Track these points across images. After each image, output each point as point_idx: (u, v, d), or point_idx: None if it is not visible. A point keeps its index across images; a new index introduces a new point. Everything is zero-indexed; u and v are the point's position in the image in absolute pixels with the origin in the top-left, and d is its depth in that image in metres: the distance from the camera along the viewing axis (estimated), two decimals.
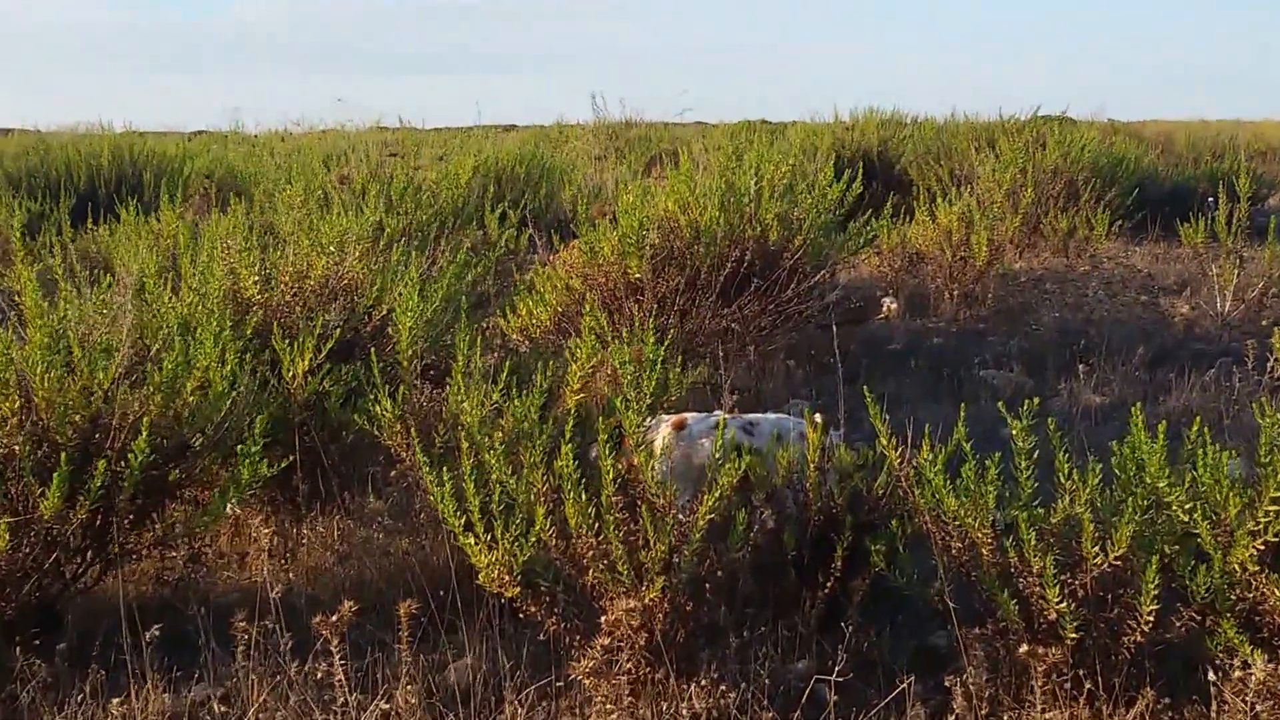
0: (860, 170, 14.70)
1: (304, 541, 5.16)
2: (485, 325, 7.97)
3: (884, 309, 10.47)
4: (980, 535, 4.02)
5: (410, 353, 4.98)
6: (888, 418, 4.68)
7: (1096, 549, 3.86)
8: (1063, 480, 4.04)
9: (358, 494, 5.29)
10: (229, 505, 4.24)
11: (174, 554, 4.62)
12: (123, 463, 4.16)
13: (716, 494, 3.98)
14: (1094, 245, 12.23)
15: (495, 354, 7.20)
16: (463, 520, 3.81)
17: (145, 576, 4.75)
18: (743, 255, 7.45)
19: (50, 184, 12.69)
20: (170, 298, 5.41)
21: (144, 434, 3.99)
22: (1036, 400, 4.25)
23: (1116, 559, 3.81)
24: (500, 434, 4.49)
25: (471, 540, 3.81)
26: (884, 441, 4.37)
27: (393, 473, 5.04)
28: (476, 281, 8.79)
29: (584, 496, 3.92)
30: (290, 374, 5.15)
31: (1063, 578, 3.90)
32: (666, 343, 6.35)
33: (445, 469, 4.08)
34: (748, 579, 4.35)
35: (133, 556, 4.47)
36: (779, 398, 7.57)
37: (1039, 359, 8.66)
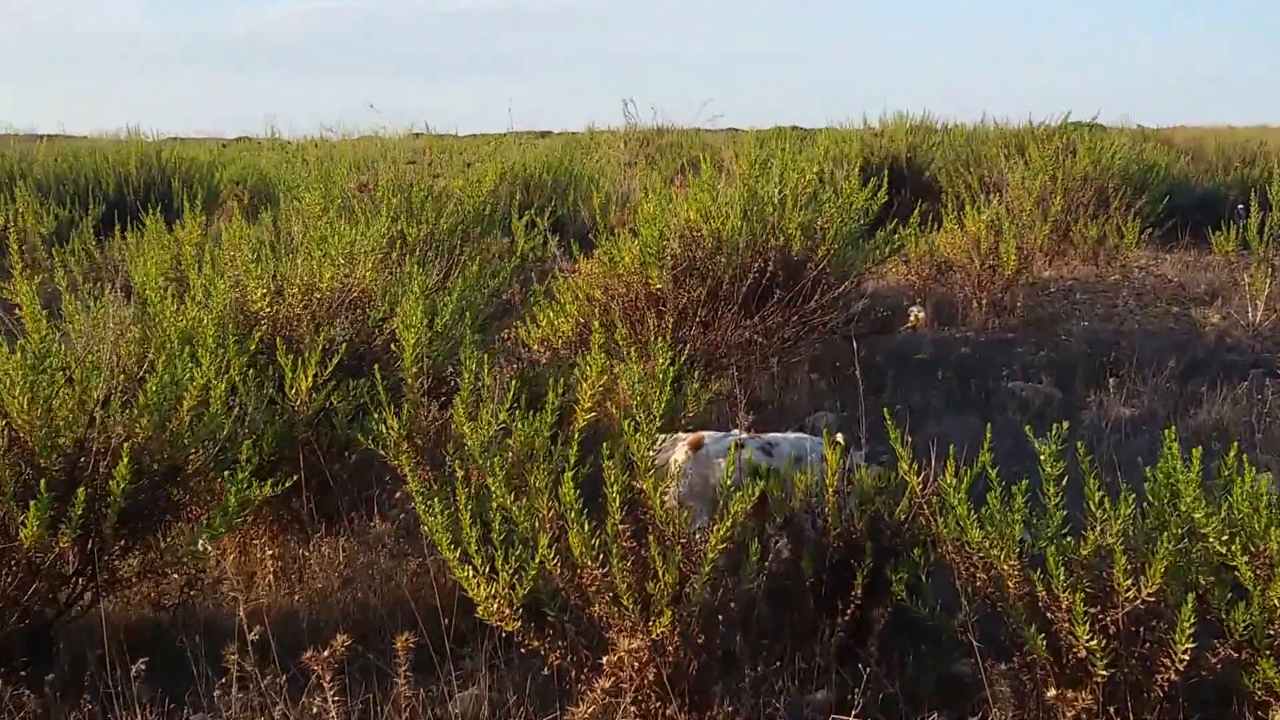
0: (888, 177, 14.53)
1: (310, 563, 4.95)
2: (506, 335, 7.78)
3: (911, 318, 10.20)
4: (1006, 568, 3.76)
5: (415, 370, 4.76)
6: (910, 440, 4.45)
7: (1129, 583, 3.60)
8: (1093, 509, 3.79)
9: (365, 514, 5.08)
10: (201, 543, 4.01)
11: (169, 579, 4.41)
12: (109, 489, 3.96)
13: (729, 522, 3.74)
14: (1124, 253, 11.90)
15: (515, 365, 7.00)
16: (458, 551, 3.58)
17: (144, 600, 4.55)
18: (764, 266, 7.20)
19: (79, 191, 12.55)
20: (171, 311, 5.19)
21: (125, 459, 3.77)
22: (1065, 424, 4.01)
23: (1150, 595, 3.55)
24: (506, 456, 4.27)
25: (469, 573, 3.59)
26: (905, 466, 4.11)
27: (398, 493, 4.83)
28: (499, 289, 8.61)
29: (589, 525, 3.69)
30: (294, 390, 4.95)
31: (1093, 611, 3.66)
32: (683, 356, 6.17)
33: (444, 495, 3.89)
34: (763, 608, 4.11)
35: (122, 584, 4.26)
36: (803, 410, 7.33)
37: (1068, 370, 8.37)
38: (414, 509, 4.70)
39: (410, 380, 4.76)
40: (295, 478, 4.81)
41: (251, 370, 5.01)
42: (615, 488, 3.76)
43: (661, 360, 4.56)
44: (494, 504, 3.72)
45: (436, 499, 3.68)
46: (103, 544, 4.00)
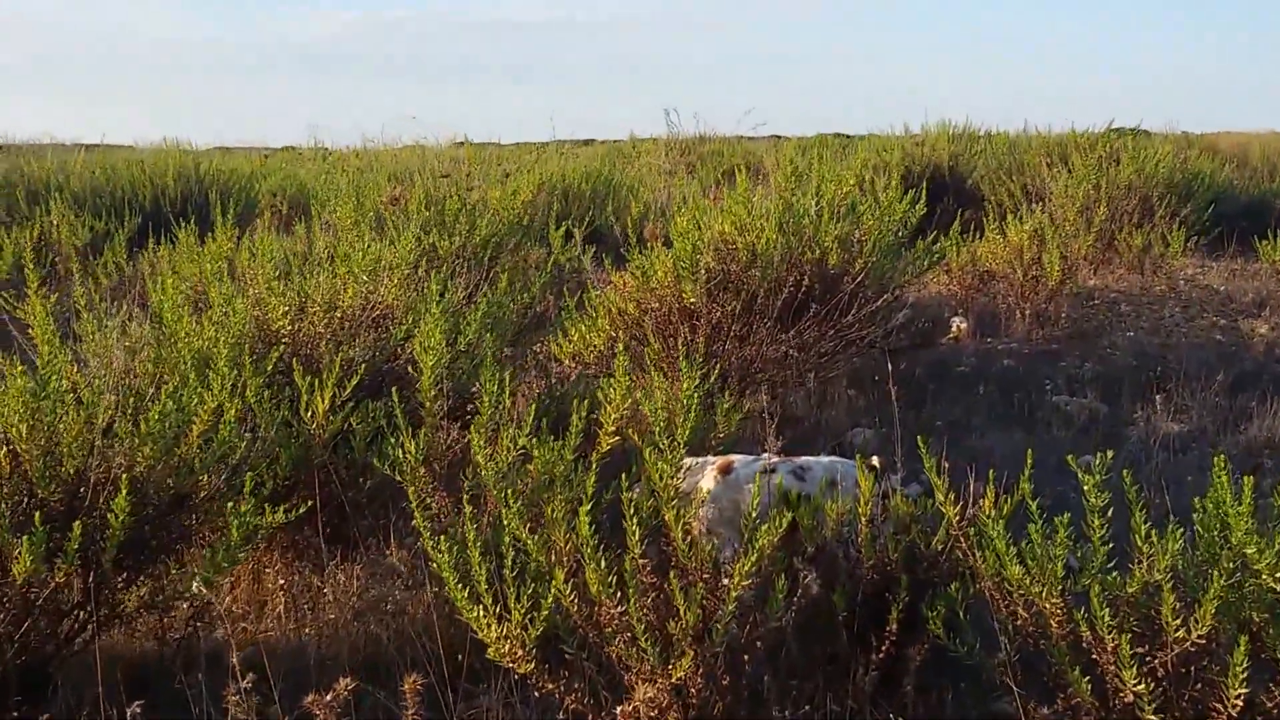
0: (929, 186, 14.24)
1: (323, 593, 4.77)
2: (538, 349, 7.60)
3: (953, 329, 9.92)
4: (1048, 605, 3.52)
5: (434, 392, 4.57)
6: (948, 459, 4.24)
7: (1178, 622, 3.35)
8: (1140, 543, 3.54)
9: (381, 541, 4.90)
10: (196, 584, 3.82)
11: (174, 612, 4.23)
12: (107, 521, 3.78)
13: (754, 556, 3.52)
14: (1169, 262, 11.56)
15: (543, 381, 6.81)
16: (467, 591, 3.38)
17: (150, 633, 4.38)
18: (800, 279, 6.97)
19: (115, 203, 12.49)
20: (186, 330, 5.02)
21: (124, 491, 3.59)
22: (1110, 452, 3.77)
23: (1200, 636, 3.30)
24: (524, 484, 4.07)
25: (478, 612, 3.39)
26: (940, 496, 3.87)
27: (414, 521, 4.64)
28: (532, 303, 8.42)
29: (605, 562, 3.48)
30: (309, 412, 4.77)
31: (1140, 652, 3.41)
32: (714, 374, 5.94)
33: (459, 524, 3.69)
34: (793, 645, 3.88)
35: (123, 619, 4.08)
36: (841, 427, 7.10)
37: (1114, 384, 8.07)
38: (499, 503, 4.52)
39: (428, 403, 4.57)
40: (310, 504, 4.64)
41: (267, 391, 4.84)
42: (634, 520, 3.55)
43: (687, 382, 4.36)
44: (505, 538, 3.52)
45: (444, 535, 3.47)
46: (102, 577, 3.82)
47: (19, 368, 4.05)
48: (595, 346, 7.31)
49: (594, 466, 3.79)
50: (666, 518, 3.70)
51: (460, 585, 3.41)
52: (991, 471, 4.09)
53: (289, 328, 5.51)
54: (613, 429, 4.44)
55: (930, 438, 7.03)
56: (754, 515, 3.71)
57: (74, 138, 24.48)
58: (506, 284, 6.71)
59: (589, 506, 3.64)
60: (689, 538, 3.68)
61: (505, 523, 3.59)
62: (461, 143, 25.07)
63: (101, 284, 9.47)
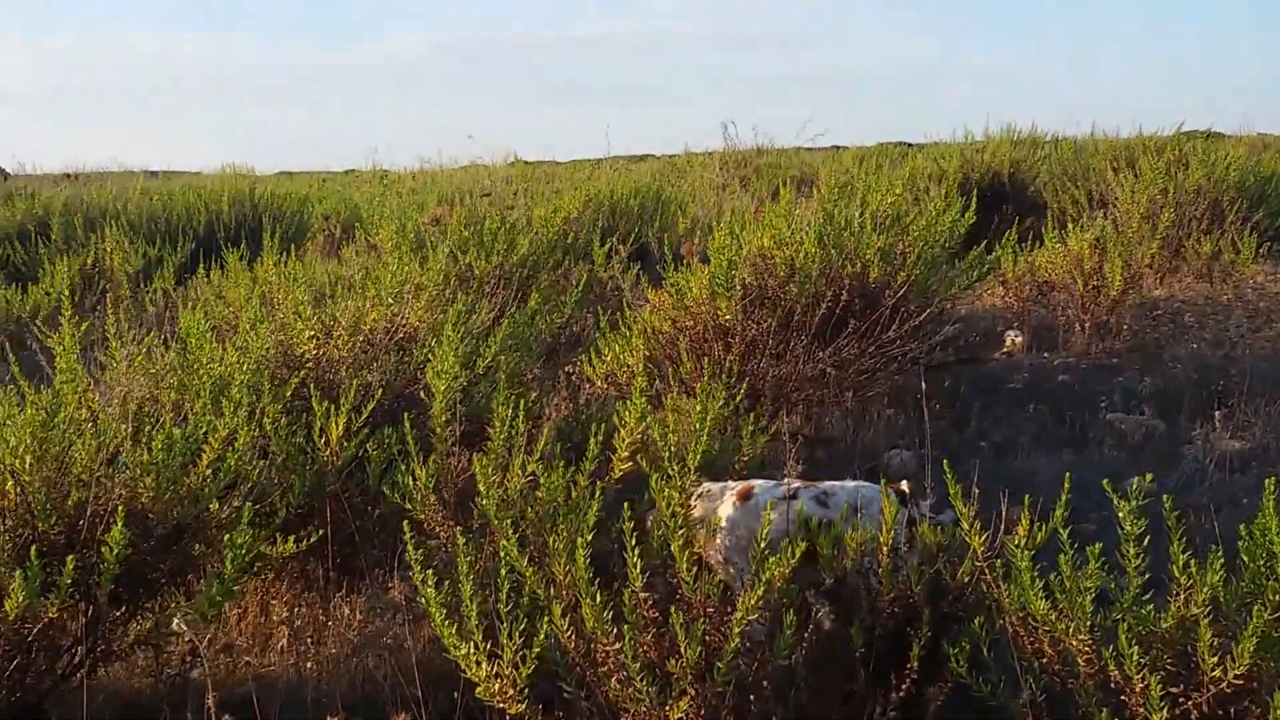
0: (989, 194, 13.93)
1: (328, 625, 4.66)
2: (571, 369, 7.48)
3: (1008, 343, 9.63)
4: (1076, 643, 3.31)
5: (445, 418, 4.45)
6: (979, 484, 4.04)
7: (1215, 660, 3.13)
8: (1177, 573, 3.33)
9: (387, 574, 4.79)
10: (176, 621, 3.73)
11: (172, 648, 4.14)
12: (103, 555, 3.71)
13: (760, 591, 3.36)
14: (1239, 270, 11.16)
15: (570, 403, 6.68)
16: (454, 628, 3.25)
17: (145, 670, 4.29)
18: (838, 294, 6.77)
19: (171, 229, 12.59)
20: (206, 357, 4.96)
21: (118, 525, 3.51)
22: (1149, 476, 3.56)
23: (1238, 676, 3.08)
24: (532, 512, 3.95)
25: (468, 649, 3.25)
26: (965, 526, 3.67)
27: (421, 550, 4.52)
28: (567, 322, 8.31)
29: (605, 595, 3.34)
30: (322, 439, 4.68)
31: (1174, 691, 3.20)
32: (739, 394, 5.78)
33: (469, 553, 3.56)
34: (806, 683, 3.70)
35: (117, 655, 4.00)
36: (878, 447, 6.88)
37: (1173, 399, 7.75)
38: (440, 567, 4.41)
39: (439, 429, 4.45)
40: (320, 533, 4.56)
41: (285, 418, 4.77)
42: (635, 551, 3.40)
43: (701, 406, 4.20)
44: (501, 570, 3.38)
45: (432, 570, 3.34)
46: (98, 613, 3.74)
47: (30, 397, 4.01)
48: (629, 366, 7.17)
49: (596, 495, 3.64)
50: (673, 548, 3.54)
51: (449, 621, 3.27)
52: (1028, 497, 3.88)
53: (314, 352, 5.44)
54: (627, 454, 4.31)
55: (972, 459, 6.88)
56: (762, 545, 3.54)
57: (142, 164, 24.91)
58: (536, 304, 6.59)
59: (590, 536, 3.51)
60: (695, 569, 3.52)
61: (503, 554, 3.45)
62: (514, 162, 25.14)
63: (147, 310, 9.53)
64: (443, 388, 4.41)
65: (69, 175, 23.79)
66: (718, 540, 4.52)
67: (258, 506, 4.59)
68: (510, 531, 3.54)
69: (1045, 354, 9.39)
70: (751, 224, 7.39)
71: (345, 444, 4.71)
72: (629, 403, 4.27)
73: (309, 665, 4.38)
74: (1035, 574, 3.47)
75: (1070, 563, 3.41)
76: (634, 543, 3.39)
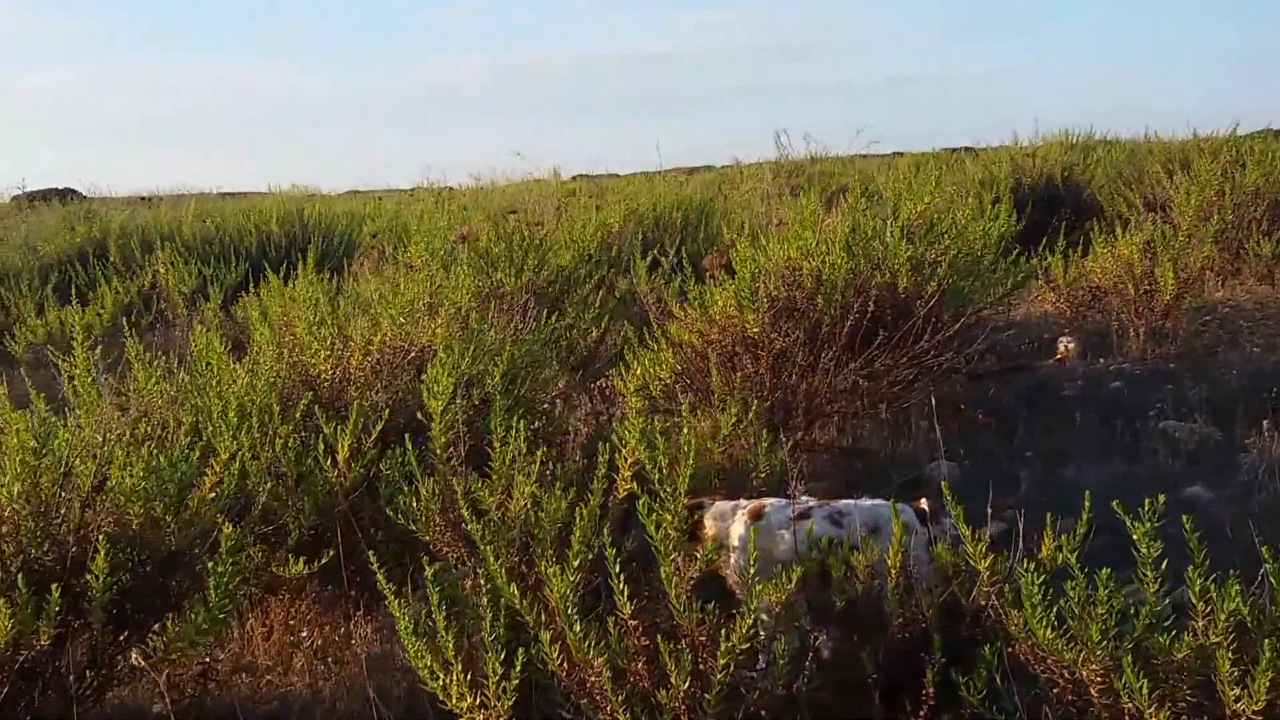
0: (1042, 199, 13.61)
1: (349, 644, 4.56)
2: (601, 383, 7.36)
3: (1060, 349, 9.34)
4: (1087, 673, 3.10)
5: (444, 440, 4.32)
6: (1011, 499, 3.83)
7: (1236, 692, 2.90)
8: (1195, 598, 3.11)
9: (405, 593, 4.66)
10: (135, 656, 3.63)
11: (182, 671, 4.04)
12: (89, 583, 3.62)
13: (749, 620, 3.18)
14: None
15: (595, 419, 6.55)
16: (427, 661, 3.11)
17: (154, 693, 4.21)
18: (865, 305, 6.56)
19: (223, 250, 12.67)
20: (218, 379, 4.87)
21: (102, 552, 3.42)
22: (1162, 498, 3.34)
23: (1257, 710, 2.85)
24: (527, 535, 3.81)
25: (446, 681, 3.11)
26: (971, 549, 3.47)
27: (428, 572, 4.40)
28: (602, 336, 8.17)
29: (593, 623, 3.18)
30: (327, 459, 4.57)
31: None
32: (752, 409, 5.60)
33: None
34: (810, 713, 3.51)
35: (119, 681, 3.91)
36: (917, 459, 6.65)
37: (1229, 407, 7.43)
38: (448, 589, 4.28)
39: (439, 450, 4.32)
40: (331, 554, 4.46)
41: (293, 439, 4.68)
42: (620, 578, 3.24)
43: (688, 427, 4.04)
44: (483, 597, 3.24)
45: (400, 600, 3.21)
46: (93, 640, 3.65)
47: (15, 424, 3.95)
48: (662, 380, 7.02)
49: (583, 517, 3.48)
50: (662, 572, 3.38)
51: (428, 651, 3.14)
52: (1049, 517, 3.67)
53: (329, 372, 5.35)
54: (630, 473, 4.15)
55: (1019, 469, 6.63)
56: (752, 572, 3.37)
57: (216, 186, 25.25)
58: (552, 322, 6.47)
59: (578, 562, 3.36)
60: (689, 594, 3.35)
61: (483, 580, 3.31)
62: (577, 176, 25.09)
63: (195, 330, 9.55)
64: (439, 409, 4.28)
65: (143, 199, 24.15)
66: (731, 560, 4.35)
67: (269, 529, 4.55)
68: (498, 555, 3.38)
69: (1100, 360, 9.09)
70: (776, 235, 7.21)
71: (353, 465, 4.61)
72: (627, 422, 4.11)
73: (325, 686, 4.29)
74: (1047, 598, 3.26)
75: (1083, 585, 3.20)
76: (618, 569, 3.23)
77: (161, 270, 11.23)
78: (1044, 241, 10.78)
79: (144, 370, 5.06)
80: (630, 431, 4.11)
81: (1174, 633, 3.15)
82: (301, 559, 4.45)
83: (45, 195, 21.94)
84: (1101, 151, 15.22)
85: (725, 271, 7.07)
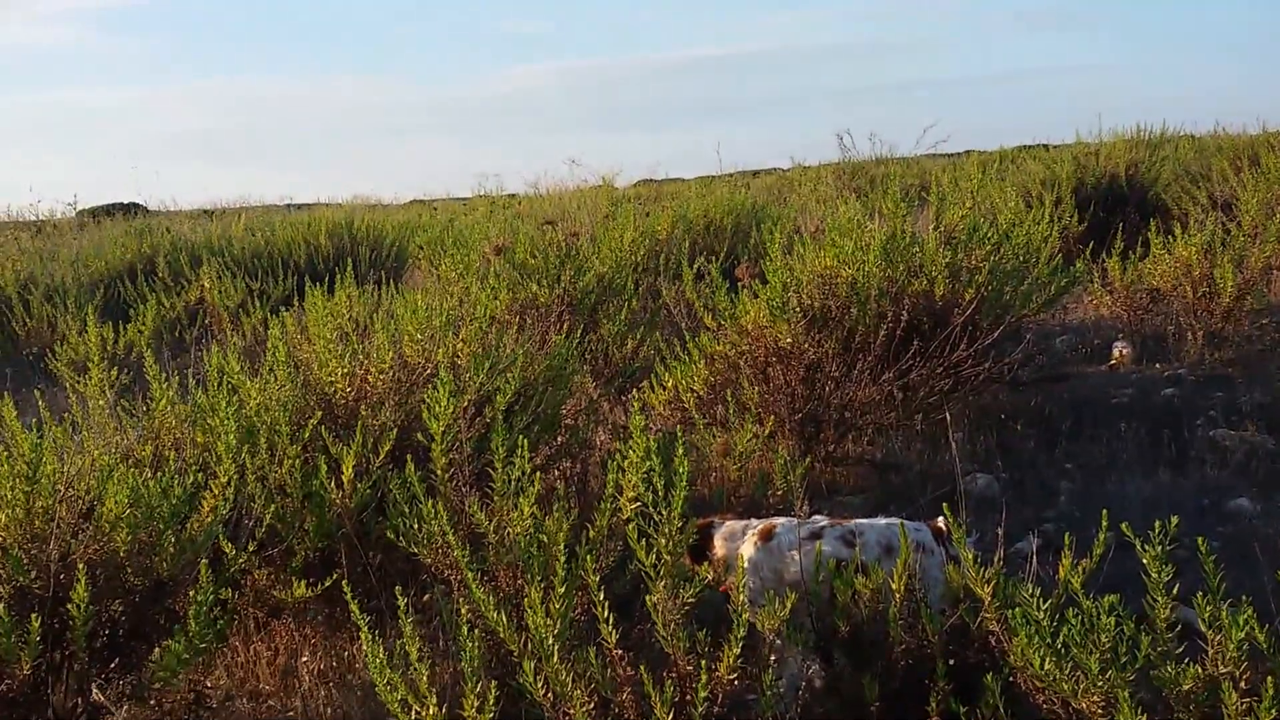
0: (1106, 198, 13.30)
1: (354, 668, 4.54)
2: (635, 396, 7.28)
3: (1115, 354, 9.11)
4: (1087, 704, 2.98)
5: (445, 461, 4.28)
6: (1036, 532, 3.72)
7: None
8: (1204, 624, 2.98)
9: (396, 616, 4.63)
10: (95, 693, 3.61)
11: (173, 699, 4.03)
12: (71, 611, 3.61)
13: (736, 650, 3.10)
14: None
15: (620, 433, 6.47)
16: (399, 694, 3.07)
17: (166, 714, 4.21)
18: (899, 313, 6.43)
19: (272, 264, 12.76)
20: (228, 400, 4.85)
21: (82, 580, 3.41)
22: (1175, 521, 3.20)
23: None
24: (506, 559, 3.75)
25: (420, 713, 3.07)
26: (973, 573, 3.36)
27: (426, 596, 4.37)
28: (638, 347, 8.10)
29: (568, 653, 3.12)
30: (331, 480, 4.55)
31: None
32: (768, 425, 5.50)
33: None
34: None
35: (103, 711, 3.90)
36: (952, 473, 6.48)
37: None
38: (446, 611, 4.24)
39: (439, 471, 4.28)
40: (336, 576, 4.44)
41: (299, 459, 4.67)
42: (605, 606, 3.17)
43: (704, 442, 3.96)
44: (463, 625, 3.19)
45: (364, 635, 3.16)
46: (77, 670, 3.65)
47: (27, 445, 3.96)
48: (697, 392, 6.94)
49: (561, 541, 3.42)
50: (654, 598, 3.32)
51: (402, 683, 3.09)
52: (1068, 537, 3.55)
53: (344, 390, 5.33)
54: (633, 494, 4.08)
55: (1060, 481, 6.47)
56: (742, 599, 3.29)
57: (283, 198, 25.57)
58: (577, 334, 6.41)
59: (564, 588, 3.30)
60: (673, 628, 3.28)
61: (461, 607, 3.26)
62: (640, 181, 25.00)
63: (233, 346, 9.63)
64: (440, 429, 4.23)
65: (206, 212, 24.50)
66: (741, 584, 4.26)
67: (274, 550, 4.53)
68: (492, 579, 3.32)
69: (1155, 366, 8.86)
70: (808, 243, 7.10)
71: (358, 485, 4.58)
72: (631, 441, 4.03)
73: (326, 710, 4.26)
74: (1054, 624, 3.15)
75: (1086, 614, 3.08)
76: (602, 596, 3.16)
77: (207, 285, 11.33)
78: (1109, 243, 10.56)
79: (160, 390, 5.06)
80: (635, 451, 4.04)
81: (1183, 662, 3.03)
82: (304, 582, 4.43)
83: (110, 210, 22.32)
84: (1169, 149, 14.83)
85: (760, 280, 6.95)
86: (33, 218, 17.45)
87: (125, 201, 24.07)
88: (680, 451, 3.56)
